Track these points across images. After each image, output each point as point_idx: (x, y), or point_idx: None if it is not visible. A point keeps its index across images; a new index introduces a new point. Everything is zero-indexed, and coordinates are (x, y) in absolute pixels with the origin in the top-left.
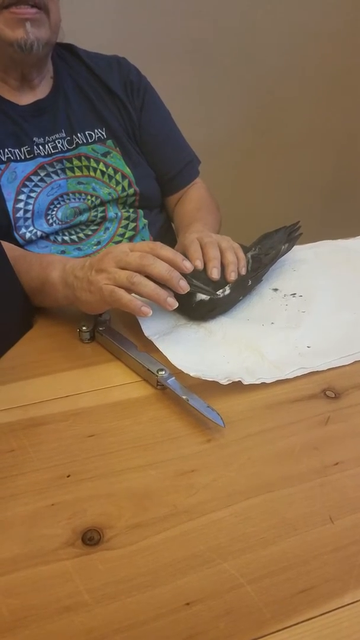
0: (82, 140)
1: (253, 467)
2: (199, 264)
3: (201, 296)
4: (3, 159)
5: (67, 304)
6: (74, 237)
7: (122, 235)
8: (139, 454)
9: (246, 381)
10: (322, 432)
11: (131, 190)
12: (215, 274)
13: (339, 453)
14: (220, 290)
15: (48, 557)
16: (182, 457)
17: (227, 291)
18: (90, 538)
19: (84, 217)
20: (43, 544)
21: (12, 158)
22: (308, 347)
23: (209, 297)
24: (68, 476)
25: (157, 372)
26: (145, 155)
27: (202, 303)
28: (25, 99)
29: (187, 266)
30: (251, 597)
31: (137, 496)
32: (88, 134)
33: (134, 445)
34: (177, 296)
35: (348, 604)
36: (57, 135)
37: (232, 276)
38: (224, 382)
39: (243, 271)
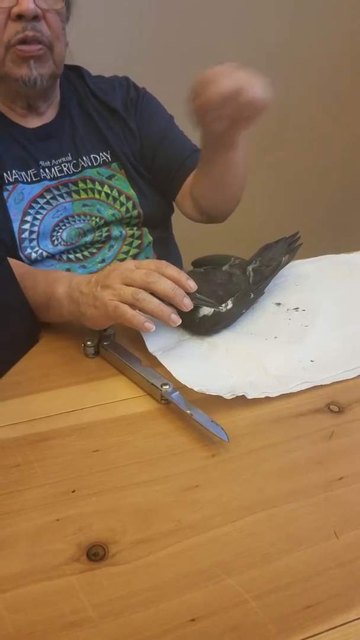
0: (88, 164)
1: (257, 482)
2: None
3: (204, 311)
4: (11, 180)
5: (72, 319)
6: (78, 255)
7: (127, 252)
8: (143, 469)
9: (250, 395)
10: (326, 446)
11: (135, 212)
12: None
13: (344, 467)
14: (223, 305)
15: (53, 573)
16: (186, 472)
17: (230, 305)
18: (95, 553)
19: (88, 238)
20: (48, 560)
21: (19, 180)
22: (312, 361)
23: (212, 311)
24: (73, 491)
25: (161, 387)
26: (150, 166)
27: (205, 318)
28: (32, 122)
29: (191, 285)
30: (256, 613)
31: (141, 511)
32: (93, 157)
33: (138, 461)
34: (181, 312)
35: (354, 620)
36: (63, 159)
37: None
38: (227, 396)
39: None
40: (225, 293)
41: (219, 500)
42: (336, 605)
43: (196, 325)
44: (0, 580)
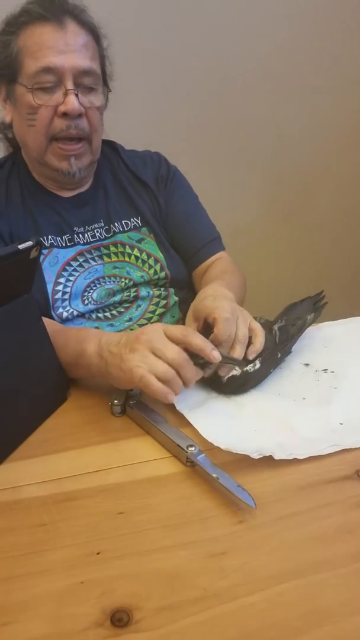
0: (119, 229)
1: (285, 550)
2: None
3: (233, 371)
4: (47, 244)
5: (99, 375)
6: (107, 314)
7: (153, 312)
8: (168, 533)
9: (277, 456)
10: (355, 515)
11: (162, 274)
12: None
13: None
14: (251, 365)
15: (76, 638)
16: (212, 538)
17: (258, 365)
18: (119, 619)
19: (117, 298)
20: (72, 624)
21: (54, 244)
22: (340, 424)
23: (240, 371)
24: (98, 553)
25: (187, 448)
26: (171, 238)
27: (233, 378)
28: (67, 192)
29: (216, 356)
30: None
31: (166, 577)
32: (124, 222)
33: (163, 525)
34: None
35: None
36: (96, 225)
37: (252, 355)
38: (255, 456)
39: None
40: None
41: (245, 569)
42: None
43: (224, 386)
44: None
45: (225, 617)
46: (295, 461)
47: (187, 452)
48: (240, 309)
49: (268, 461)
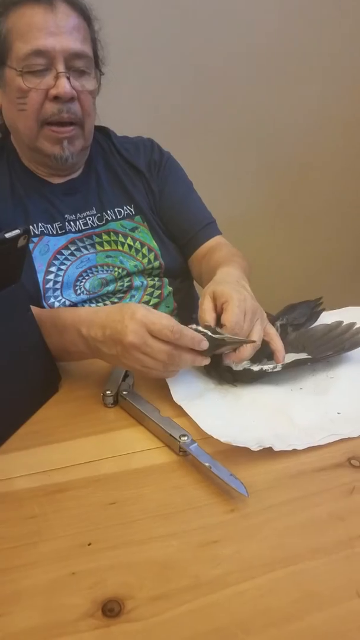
0: (112, 217)
1: (277, 538)
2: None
3: (244, 364)
4: (37, 232)
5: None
6: (100, 304)
7: (147, 302)
8: (160, 523)
9: (277, 447)
10: (347, 502)
11: (156, 263)
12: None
13: None
14: (271, 366)
15: (67, 629)
16: (204, 527)
17: (278, 368)
18: (111, 609)
19: (110, 288)
20: (63, 615)
21: (45, 232)
22: (338, 413)
23: (259, 369)
24: (89, 544)
25: (180, 438)
26: (166, 225)
27: (249, 371)
28: (58, 179)
29: (203, 346)
30: None
31: (158, 566)
32: (117, 210)
33: (155, 514)
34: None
35: None
36: (88, 213)
37: (281, 361)
38: (254, 448)
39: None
40: (261, 350)
41: (237, 557)
42: None
43: (236, 373)
44: (15, 634)
45: (217, 605)
46: (293, 449)
47: (179, 441)
48: (260, 311)
49: (260, 450)
